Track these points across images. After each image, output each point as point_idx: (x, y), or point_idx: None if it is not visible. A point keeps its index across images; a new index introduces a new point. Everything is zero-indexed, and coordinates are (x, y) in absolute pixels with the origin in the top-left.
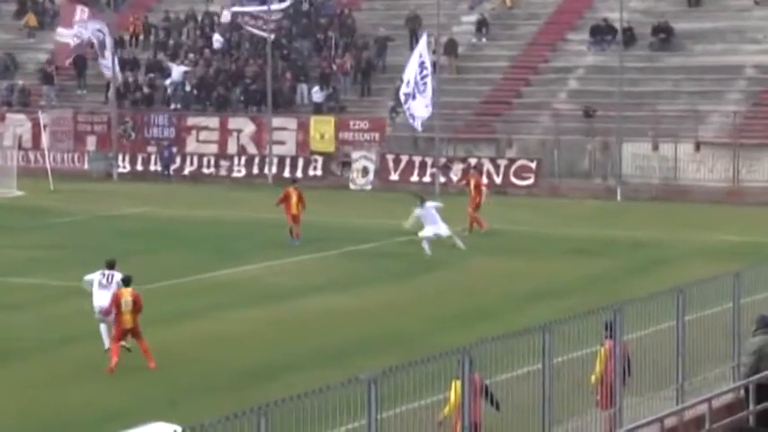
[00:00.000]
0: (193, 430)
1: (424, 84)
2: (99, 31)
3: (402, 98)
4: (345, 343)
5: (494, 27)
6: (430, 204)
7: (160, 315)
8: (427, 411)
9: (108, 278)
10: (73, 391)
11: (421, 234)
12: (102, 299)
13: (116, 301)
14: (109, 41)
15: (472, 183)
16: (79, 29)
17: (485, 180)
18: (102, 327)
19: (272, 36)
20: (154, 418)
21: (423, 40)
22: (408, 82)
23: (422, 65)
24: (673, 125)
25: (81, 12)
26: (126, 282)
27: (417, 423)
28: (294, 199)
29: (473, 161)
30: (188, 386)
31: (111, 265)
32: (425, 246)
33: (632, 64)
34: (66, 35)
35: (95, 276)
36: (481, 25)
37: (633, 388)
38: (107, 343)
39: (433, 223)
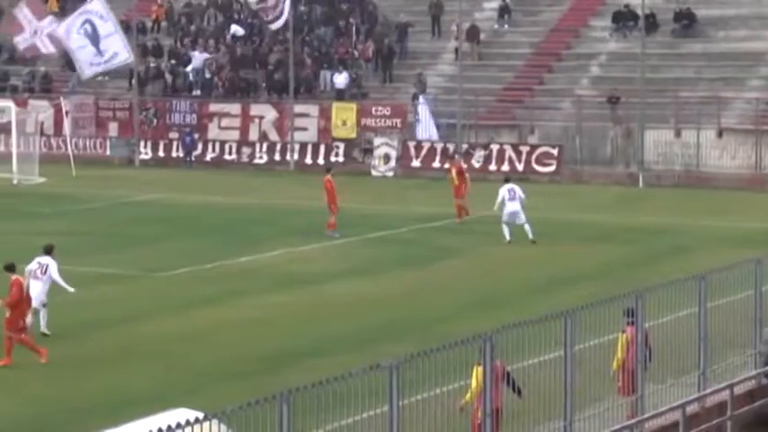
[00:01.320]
0: (216, 416)
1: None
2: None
3: (415, 119)
4: (366, 329)
5: (516, 13)
6: (506, 187)
7: (180, 302)
8: (449, 398)
9: (43, 268)
10: (95, 376)
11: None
12: (34, 289)
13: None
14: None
15: (454, 171)
16: (32, 27)
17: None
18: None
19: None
20: (176, 404)
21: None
22: (419, 119)
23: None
24: (695, 112)
25: (24, 17)
26: (9, 268)
27: (439, 409)
28: (327, 188)
29: (462, 148)
30: (210, 372)
31: (47, 251)
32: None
33: (654, 50)
34: (23, 41)
35: (33, 265)
36: (503, 11)
37: (654, 375)
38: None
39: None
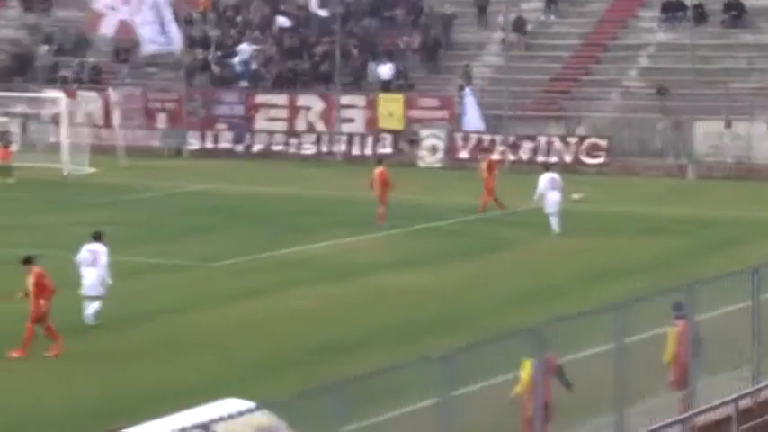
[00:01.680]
0: (267, 406)
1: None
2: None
3: (462, 111)
4: (416, 320)
5: (563, 4)
6: (548, 176)
7: (231, 292)
8: (499, 390)
9: (95, 255)
10: (145, 366)
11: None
12: (89, 277)
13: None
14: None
15: (484, 165)
16: (112, 2)
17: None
18: (86, 304)
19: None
20: (227, 395)
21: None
22: (466, 111)
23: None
24: (747, 103)
25: None
26: (28, 260)
27: (489, 402)
28: (378, 180)
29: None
30: (260, 362)
31: (97, 238)
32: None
33: (704, 41)
34: (100, 2)
35: (82, 252)
36: (550, 2)
37: (707, 369)
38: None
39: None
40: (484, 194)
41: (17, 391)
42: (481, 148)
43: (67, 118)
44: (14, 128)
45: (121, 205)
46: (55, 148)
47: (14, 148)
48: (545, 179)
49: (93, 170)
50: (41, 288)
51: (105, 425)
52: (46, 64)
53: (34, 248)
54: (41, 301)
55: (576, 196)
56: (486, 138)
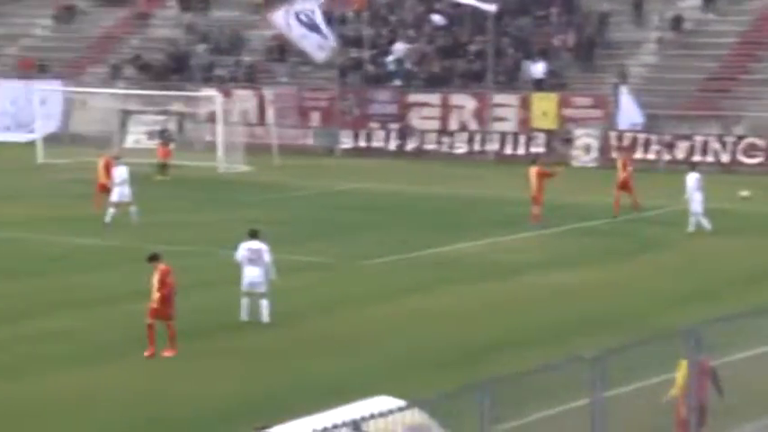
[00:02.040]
0: (418, 405)
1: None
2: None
3: (616, 109)
4: (567, 321)
5: (722, 2)
6: (694, 176)
7: (384, 290)
8: (652, 392)
9: (257, 253)
10: (299, 364)
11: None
12: (251, 274)
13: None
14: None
15: (620, 163)
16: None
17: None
18: (244, 301)
19: (495, 8)
20: (379, 392)
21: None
22: (621, 109)
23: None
24: None
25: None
26: (154, 258)
27: (642, 403)
28: (534, 180)
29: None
30: (412, 361)
31: (253, 235)
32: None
33: None
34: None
35: (241, 251)
36: (708, 0)
37: None
38: (244, 316)
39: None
40: (632, 193)
41: (170, 387)
42: (619, 147)
43: (223, 117)
44: (171, 126)
45: (276, 203)
46: (211, 147)
47: (173, 146)
48: (692, 179)
49: (247, 168)
50: (163, 286)
51: (255, 422)
52: (202, 63)
53: (190, 245)
54: (162, 298)
55: (744, 193)
56: (642, 137)
